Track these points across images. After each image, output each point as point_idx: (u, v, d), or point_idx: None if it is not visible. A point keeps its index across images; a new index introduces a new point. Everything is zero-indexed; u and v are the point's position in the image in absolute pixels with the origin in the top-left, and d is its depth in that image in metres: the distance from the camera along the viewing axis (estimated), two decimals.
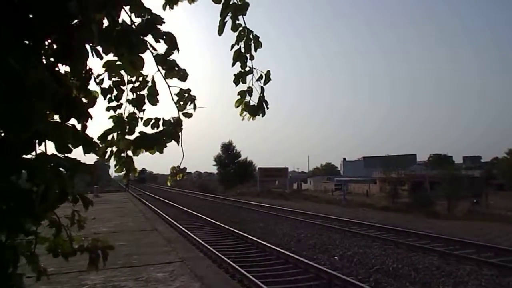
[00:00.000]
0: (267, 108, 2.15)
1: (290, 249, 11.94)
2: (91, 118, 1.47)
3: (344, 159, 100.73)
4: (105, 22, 1.50)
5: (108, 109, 1.90)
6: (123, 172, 1.93)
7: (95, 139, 1.59)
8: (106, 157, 1.87)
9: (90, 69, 1.56)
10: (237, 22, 2.00)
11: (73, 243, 1.74)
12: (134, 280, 6.71)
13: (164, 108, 1.98)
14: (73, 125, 1.40)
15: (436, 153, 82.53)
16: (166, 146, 1.86)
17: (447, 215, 21.86)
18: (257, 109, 2.14)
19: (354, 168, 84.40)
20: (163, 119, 1.87)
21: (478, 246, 11.84)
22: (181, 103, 1.93)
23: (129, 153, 1.88)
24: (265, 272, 9.24)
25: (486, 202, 26.06)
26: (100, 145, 1.83)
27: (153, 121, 1.87)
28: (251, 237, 13.51)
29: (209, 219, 19.05)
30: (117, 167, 1.90)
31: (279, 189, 54.41)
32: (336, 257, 10.93)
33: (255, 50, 2.07)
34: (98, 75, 1.75)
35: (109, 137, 1.88)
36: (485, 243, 12.19)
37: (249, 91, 2.14)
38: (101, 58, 1.57)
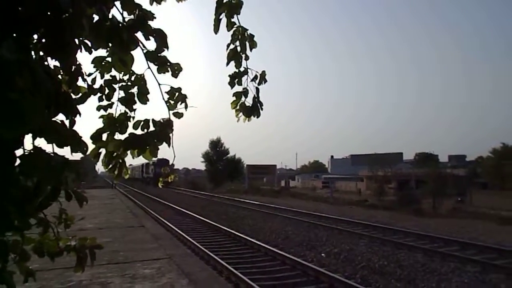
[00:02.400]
0: (262, 109, 2.13)
1: (278, 246, 12.00)
2: (80, 114, 1.45)
3: (332, 156, 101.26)
4: (95, 17, 1.48)
5: (98, 108, 1.86)
6: (115, 173, 1.88)
7: (83, 138, 1.56)
8: (101, 158, 1.82)
9: (80, 64, 1.54)
10: (232, 20, 1.99)
11: (60, 243, 1.71)
12: (120, 277, 6.67)
13: (156, 109, 1.96)
14: (62, 121, 1.38)
15: (422, 151, 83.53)
16: (158, 149, 1.82)
17: (432, 213, 22.16)
18: (252, 111, 2.12)
19: (341, 166, 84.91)
20: (153, 120, 1.83)
21: (462, 244, 12.05)
22: (172, 102, 1.90)
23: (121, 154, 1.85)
24: (253, 269, 9.27)
25: (470, 200, 26.48)
26: (93, 145, 1.80)
27: (142, 122, 1.83)
28: (239, 234, 13.53)
29: (198, 216, 19.02)
30: (108, 167, 1.86)
31: (267, 186, 54.48)
32: (323, 254, 11.01)
33: (250, 50, 2.06)
34: (90, 74, 1.72)
35: (103, 137, 1.83)
36: (468, 241, 12.40)
37: (245, 92, 2.11)
38: (90, 52, 1.55)
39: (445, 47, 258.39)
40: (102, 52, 1.72)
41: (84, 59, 1.56)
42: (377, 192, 34.47)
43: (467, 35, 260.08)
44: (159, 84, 1.84)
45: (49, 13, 1.22)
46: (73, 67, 1.50)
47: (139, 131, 1.82)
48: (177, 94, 1.90)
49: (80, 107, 1.51)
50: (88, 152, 1.64)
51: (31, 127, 1.18)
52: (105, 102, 1.86)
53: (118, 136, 1.85)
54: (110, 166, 1.84)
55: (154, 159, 1.90)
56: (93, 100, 1.81)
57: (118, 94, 1.87)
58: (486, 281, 8.22)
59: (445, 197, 24.98)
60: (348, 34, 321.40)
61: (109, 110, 1.88)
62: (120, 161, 1.85)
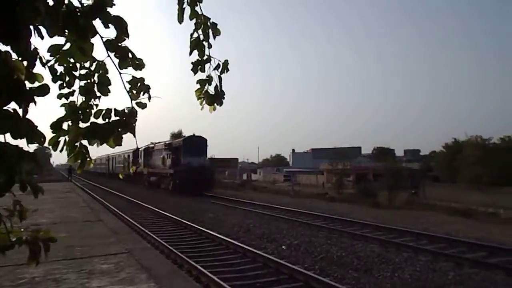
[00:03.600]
0: (224, 98, 2.14)
1: (239, 238, 12.05)
2: (35, 103, 1.39)
3: (293, 150, 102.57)
4: (50, 2, 1.42)
5: (59, 96, 1.78)
6: (78, 162, 1.82)
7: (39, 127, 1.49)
8: (59, 147, 1.75)
9: (36, 49, 1.47)
10: (195, 9, 1.98)
11: (11, 236, 1.64)
12: (76, 273, 6.47)
13: (121, 100, 1.90)
14: (14, 110, 1.32)
15: (379, 146, 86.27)
16: (122, 138, 1.78)
17: (388, 205, 22.97)
18: (214, 99, 2.12)
19: (302, 159, 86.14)
20: (115, 109, 1.78)
21: (415, 234, 12.59)
22: (134, 91, 1.85)
23: (84, 142, 1.78)
24: (214, 262, 9.28)
25: (423, 193, 27.63)
26: (53, 134, 1.73)
27: (104, 111, 1.78)
28: (200, 228, 13.47)
29: (158, 210, 18.75)
30: (70, 156, 1.79)
31: (229, 180, 54.45)
32: (283, 246, 11.17)
33: (214, 38, 2.05)
34: (48, 61, 1.64)
35: (64, 126, 1.76)
36: (421, 231, 12.98)
37: (209, 80, 2.11)
38: (42, 38, 1.48)
39: (410, 46, 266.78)
40: (59, 41, 1.65)
41: (42, 47, 1.49)
42: (337, 185, 35.28)
43: (430, 33, 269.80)
44: (120, 74, 1.79)
45: None
46: (29, 52, 1.42)
47: (100, 121, 1.77)
48: (139, 84, 1.86)
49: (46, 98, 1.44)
50: (47, 142, 1.57)
51: None
52: (66, 90, 1.79)
53: (81, 125, 1.79)
54: (72, 156, 1.78)
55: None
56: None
57: (80, 81, 1.80)
58: (437, 270, 8.64)
59: (400, 190, 25.92)
60: (310, 25, 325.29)
61: (71, 98, 1.80)
62: (84, 150, 1.79)
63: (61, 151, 1.75)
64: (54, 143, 1.73)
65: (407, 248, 10.77)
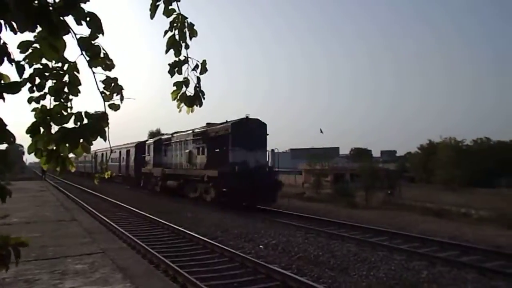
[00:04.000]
0: (204, 98, 2.12)
1: (217, 238, 12.01)
2: (3, 99, 1.35)
3: (272, 150, 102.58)
4: None
5: (29, 100, 1.71)
6: (58, 168, 1.75)
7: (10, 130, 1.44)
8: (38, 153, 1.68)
9: (5, 44, 1.42)
10: (170, 7, 1.95)
11: None
12: (49, 273, 6.33)
13: (94, 102, 1.86)
14: None
15: (357, 147, 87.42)
16: (92, 144, 1.73)
17: (365, 205, 23.29)
18: (194, 100, 2.10)
19: (281, 159, 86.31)
20: (86, 112, 1.72)
21: (390, 234, 12.82)
22: (107, 92, 1.81)
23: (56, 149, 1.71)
24: (191, 262, 9.22)
25: (399, 193, 28.13)
26: (30, 139, 1.67)
27: (74, 116, 1.71)
28: (178, 227, 13.36)
29: (135, 209, 18.50)
30: (49, 163, 1.72)
31: None
32: (261, 246, 11.19)
33: (190, 39, 2.03)
34: (18, 62, 1.57)
35: (41, 131, 1.69)
36: (396, 231, 13.23)
37: (186, 82, 2.08)
38: (16, 33, 1.43)
39: (377, 47, 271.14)
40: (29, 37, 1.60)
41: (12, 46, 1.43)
42: (315, 185, 35.56)
43: (397, 37, 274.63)
44: (93, 73, 1.74)
45: None
46: None
47: (71, 125, 1.71)
48: (113, 84, 1.81)
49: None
50: (26, 149, 1.52)
51: None
52: (36, 94, 1.71)
53: (54, 129, 1.72)
54: (50, 162, 1.72)
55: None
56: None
57: (51, 83, 1.73)
58: (411, 268, 8.82)
59: (376, 190, 26.32)
60: (300, 31, 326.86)
61: (43, 102, 1.73)
62: (62, 154, 1.73)
63: (40, 157, 1.70)
64: (35, 150, 1.67)
65: (382, 247, 10.95)
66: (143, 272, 6.79)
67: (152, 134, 62.19)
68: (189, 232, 12.42)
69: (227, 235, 12.70)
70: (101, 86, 1.81)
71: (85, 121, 1.73)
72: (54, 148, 1.71)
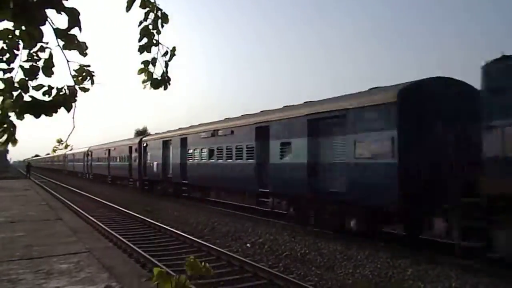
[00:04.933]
0: (169, 84, 2.20)
1: (204, 237, 12.01)
2: None
3: None
4: None
5: None
6: (2, 139, 1.78)
7: None
8: None
9: None
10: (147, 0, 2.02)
11: None
12: (33, 273, 6.26)
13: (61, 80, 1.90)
14: None
15: None
16: (56, 112, 1.78)
17: None
18: (160, 83, 2.19)
19: None
20: (57, 88, 1.79)
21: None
22: (80, 78, 1.88)
23: (13, 120, 1.74)
24: (177, 261, 9.19)
25: None
26: None
27: (45, 87, 1.77)
28: (164, 226, 13.32)
29: (121, 208, 18.38)
30: None
31: None
32: (248, 245, 11.21)
33: (162, 26, 2.11)
34: None
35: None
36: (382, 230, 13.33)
37: (153, 62, 2.16)
38: None
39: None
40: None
41: None
42: None
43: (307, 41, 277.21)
44: (67, 61, 1.80)
45: None
46: None
47: (39, 94, 1.76)
48: (84, 72, 1.88)
49: None
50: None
51: None
52: (4, 65, 1.75)
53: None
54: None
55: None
56: None
57: (21, 59, 1.77)
58: (396, 266, 8.92)
59: None
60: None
61: (8, 74, 1.77)
62: (12, 128, 1.75)
63: None
64: None
65: (367, 245, 11.04)
66: (129, 271, 6.76)
67: (138, 133, 61.80)
68: (176, 231, 12.39)
69: (214, 233, 12.70)
70: (74, 72, 1.88)
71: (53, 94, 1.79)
72: (9, 120, 1.74)
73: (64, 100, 1.78)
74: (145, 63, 2.16)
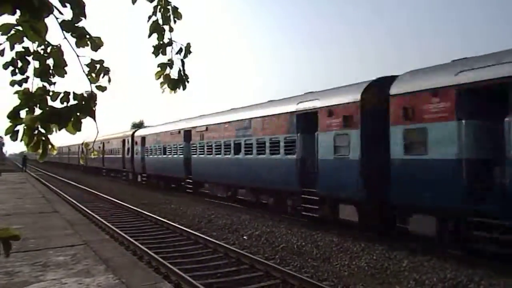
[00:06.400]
0: (188, 82, 2.12)
1: (201, 229, 12.04)
2: None
3: None
4: None
5: (12, 83, 1.68)
6: (39, 151, 1.72)
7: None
8: (19, 137, 1.63)
9: None
10: None
11: None
12: (30, 265, 6.26)
13: (79, 82, 1.84)
14: None
15: None
16: (81, 123, 1.71)
17: None
18: (177, 83, 2.11)
19: None
20: (73, 92, 1.71)
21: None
22: (93, 75, 1.79)
23: (42, 130, 1.68)
24: (174, 253, 9.23)
25: None
26: (10, 123, 1.64)
27: (62, 95, 1.69)
28: (161, 219, 13.34)
29: (117, 201, 18.37)
30: (29, 146, 1.69)
31: None
32: (245, 237, 11.25)
33: (175, 22, 2.04)
34: None
35: (22, 115, 1.65)
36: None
37: (170, 63, 2.09)
38: None
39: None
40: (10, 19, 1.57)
41: None
42: None
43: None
44: (78, 56, 1.73)
45: None
46: None
47: (57, 104, 1.69)
48: (98, 66, 1.80)
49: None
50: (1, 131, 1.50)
51: None
52: (19, 77, 1.69)
53: (38, 112, 1.69)
54: (31, 145, 1.69)
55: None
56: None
57: (33, 65, 1.71)
58: (392, 257, 8.98)
59: None
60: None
61: (25, 85, 1.71)
62: (43, 138, 1.70)
63: (21, 140, 1.67)
64: (12, 133, 1.63)
65: (363, 238, 11.10)
66: (127, 263, 6.77)
67: (135, 125, 61.63)
68: (173, 224, 12.41)
69: (211, 226, 12.73)
70: (87, 69, 1.79)
71: (72, 101, 1.71)
72: (39, 129, 1.68)
73: (85, 106, 1.71)
74: (162, 66, 2.07)
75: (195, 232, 11.07)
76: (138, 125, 61.55)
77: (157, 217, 13.66)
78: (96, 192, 22.62)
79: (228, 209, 16.60)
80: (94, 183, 30.39)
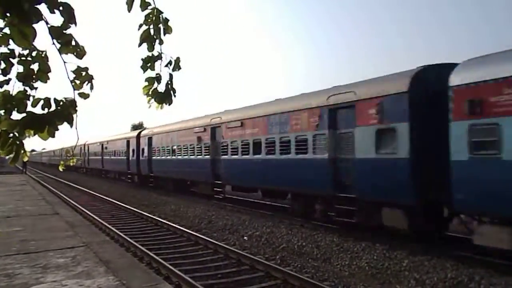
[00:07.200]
0: (175, 96, 2.09)
1: (201, 230, 12.03)
2: None
3: None
4: None
5: None
6: (11, 155, 1.72)
7: None
8: None
9: None
10: (146, 0, 1.93)
11: None
12: (30, 267, 6.26)
13: (60, 89, 1.83)
14: None
15: None
16: (57, 129, 1.69)
17: None
18: (164, 97, 2.08)
19: None
20: (55, 99, 1.70)
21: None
22: (78, 81, 1.79)
23: (17, 134, 1.67)
24: (175, 254, 9.22)
25: None
26: None
27: (42, 101, 1.68)
28: (162, 220, 13.34)
29: (118, 202, 18.36)
30: (3, 149, 1.68)
31: None
32: (245, 237, 11.24)
33: (164, 35, 2.00)
34: None
35: None
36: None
37: (158, 78, 2.06)
38: None
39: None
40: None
41: None
42: None
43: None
44: (64, 62, 1.72)
45: None
46: None
47: (38, 110, 1.68)
48: (83, 73, 1.79)
49: None
50: None
51: None
52: (1, 78, 1.69)
53: (15, 116, 1.68)
54: (4, 148, 1.68)
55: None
56: None
57: (17, 69, 1.70)
58: (392, 257, 8.97)
59: None
60: None
61: (6, 87, 1.70)
62: (18, 142, 1.68)
63: None
64: None
65: (364, 238, 11.09)
66: (127, 265, 6.76)
67: (134, 127, 61.65)
68: (173, 225, 12.40)
69: (211, 227, 12.71)
70: (72, 76, 1.78)
71: (53, 107, 1.70)
72: (15, 133, 1.67)
73: (64, 111, 1.70)
74: (150, 80, 2.05)
75: (195, 233, 11.06)
76: (138, 127, 61.59)
77: (158, 218, 13.66)
78: (96, 194, 22.62)
79: (228, 210, 16.59)
80: (94, 185, 30.38)
